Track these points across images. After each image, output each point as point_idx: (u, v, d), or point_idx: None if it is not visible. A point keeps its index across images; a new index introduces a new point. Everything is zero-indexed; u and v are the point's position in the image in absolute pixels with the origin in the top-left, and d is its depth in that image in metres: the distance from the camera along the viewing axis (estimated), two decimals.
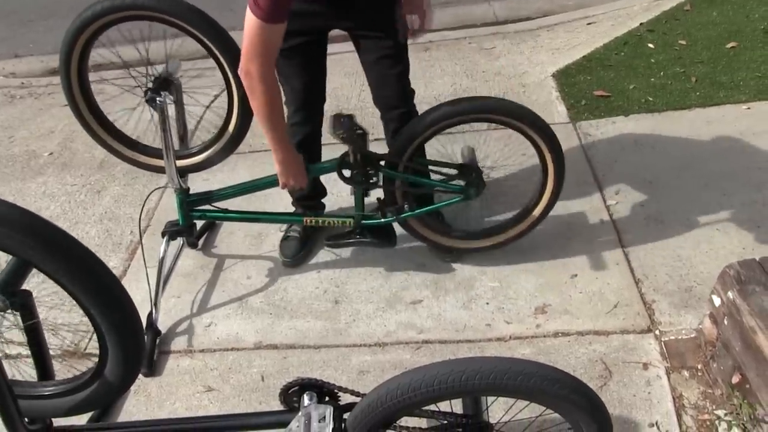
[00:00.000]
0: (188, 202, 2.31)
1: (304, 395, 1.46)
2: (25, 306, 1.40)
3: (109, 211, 2.97)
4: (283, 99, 2.28)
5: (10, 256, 1.33)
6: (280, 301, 2.37)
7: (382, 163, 2.17)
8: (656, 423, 1.82)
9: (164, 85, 2.16)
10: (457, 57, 3.95)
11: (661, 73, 3.46)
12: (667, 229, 2.46)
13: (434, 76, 3.73)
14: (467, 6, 4.85)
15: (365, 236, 2.30)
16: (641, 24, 4.00)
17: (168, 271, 2.51)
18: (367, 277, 2.42)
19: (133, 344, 1.41)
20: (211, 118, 2.57)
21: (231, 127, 2.29)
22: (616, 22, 4.12)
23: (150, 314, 2.24)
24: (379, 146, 2.68)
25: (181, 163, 2.36)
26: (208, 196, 2.32)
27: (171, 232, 2.37)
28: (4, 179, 3.32)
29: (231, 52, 2.09)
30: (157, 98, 2.10)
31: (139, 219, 2.69)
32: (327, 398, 1.48)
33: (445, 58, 3.95)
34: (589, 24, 4.19)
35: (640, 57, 3.65)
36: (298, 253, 2.51)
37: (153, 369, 2.16)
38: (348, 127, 2.04)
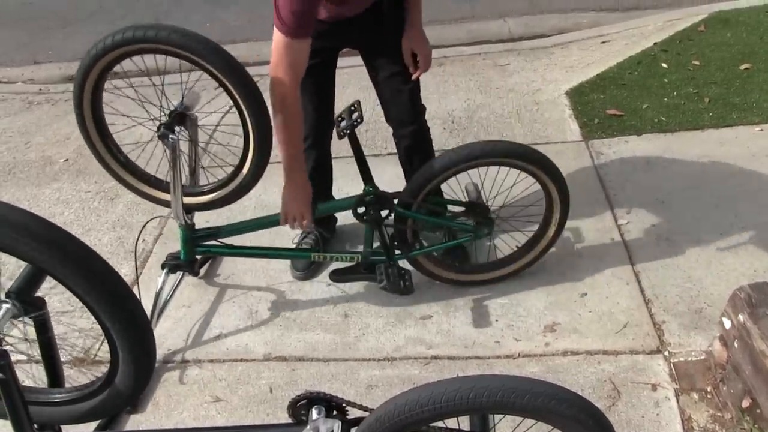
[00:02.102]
0: (193, 237, 2.27)
1: (313, 409, 1.47)
2: (38, 313, 1.41)
3: (122, 219, 2.99)
4: None
5: (24, 264, 1.35)
6: (290, 314, 2.38)
7: (396, 201, 2.16)
8: None
9: (180, 119, 2.09)
10: (471, 73, 3.97)
11: (674, 93, 3.46)
12: (678, 249, 2.45)
13: (448, 92, 3.74)
14: (482, 22, 4.89)
15: (372, 272, 2.29)
16: (655, 44, 4.00)
17: (165, 301, 2.44)
18: (377, 292, 2.42)
19: (143, 354, 1.43)
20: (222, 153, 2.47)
21: (245, 171, 2.15)
22: (630, 41, 4.13)
23: None
24: (392, 160, 2.70)
25: (189, 200, 2.27)
26: (215, 232, 2.28)
27: (171, 265, 2.33)
28: (19, 184, 3.37)
29: (247, 88, 1.95)
30: (170, 135, 2.02)
31: (135, 255, 2.62)
32: (335, 412, 1.49)
33: (460, 73, 3.97)
34: (603, 42, 4.20)
35: (654, 77, 3.65)
36: (309, 267, 2.52)
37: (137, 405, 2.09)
38: None
